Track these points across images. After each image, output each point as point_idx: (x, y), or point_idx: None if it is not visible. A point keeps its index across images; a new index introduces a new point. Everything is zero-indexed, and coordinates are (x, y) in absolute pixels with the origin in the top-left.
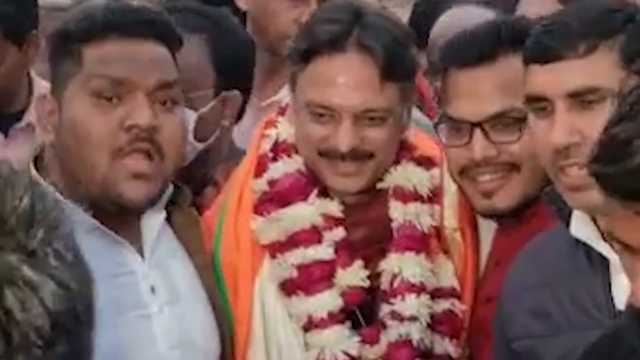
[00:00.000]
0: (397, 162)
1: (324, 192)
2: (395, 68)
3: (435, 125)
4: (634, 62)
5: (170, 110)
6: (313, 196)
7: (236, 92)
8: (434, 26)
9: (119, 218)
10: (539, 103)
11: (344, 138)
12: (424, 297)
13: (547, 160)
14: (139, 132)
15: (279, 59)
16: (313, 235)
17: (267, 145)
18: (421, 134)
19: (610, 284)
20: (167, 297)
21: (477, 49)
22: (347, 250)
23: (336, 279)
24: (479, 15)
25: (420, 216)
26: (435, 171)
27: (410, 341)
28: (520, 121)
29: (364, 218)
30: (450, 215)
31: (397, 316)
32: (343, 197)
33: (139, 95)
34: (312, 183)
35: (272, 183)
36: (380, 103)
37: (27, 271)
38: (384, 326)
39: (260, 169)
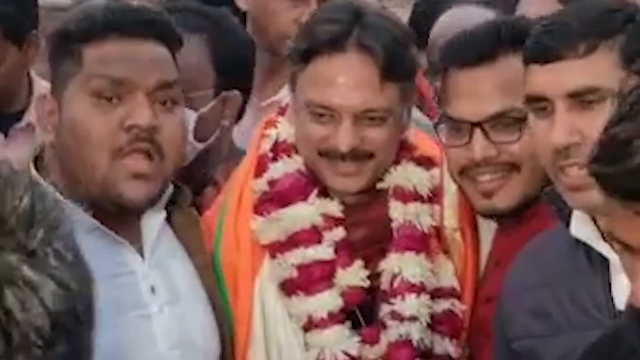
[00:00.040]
0: (397, 162)
1: (324, 192)
2: (395, 68)
3: (435, 125)
4: (634, 62)
5: (170, 110)
6: (313, 196)
7: (236, 92)
8: (434, 26)
9: (119, 218)
10: (539, 103)
11: (344, 138)
12: (424, 297)
13: (547, 160)
14: (139, 132)
15: (279, 59)
16: (313, 235)
17: (267, 145)
18: (421, 134)
19: (610, 284)
20: (167, 297)
21: (477, 49)
22: (347, 250)
23: (336, 279)
24: (479, 15)
25: (420, 216)
26: (435, 171)
27: (410, 341)
28: (520, 121)
29: (364, 218)
30: (450, 215)
31: (397, 316)
32: (343, 197)
33: (139, 95)
34: (312, 183)
35: (272, 183)
36: (380, 103)
37: (27, 271)
38: (384, 326)
39: (260, 169)
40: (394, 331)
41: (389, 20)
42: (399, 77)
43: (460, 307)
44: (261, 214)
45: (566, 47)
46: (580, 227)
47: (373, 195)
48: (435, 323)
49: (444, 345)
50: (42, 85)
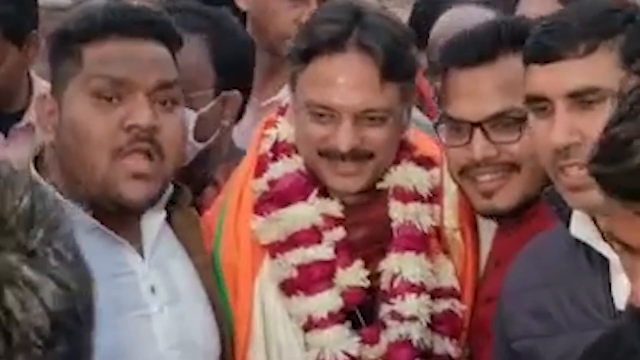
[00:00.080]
0: (397, 162)
1: (324, 192)
2: (395, 68)
3: (435, 125)
4: (634, 62)
5: (170, 110)
6: (313, 196)
7: (236, 92)
8: (434, 26)
9: (119, 218)
10: (539, 103)
11: (343, 138)
12: (424, 297)
13: (547, 160)
14: (139, 132)
15: (279, 59)
16: (313, 235)
17: (267, 145)
18: (421, 134)
19: (610, 284)
20: (167, 297)
21: (477, 49)
22: (347, 250)
23: (336, 279)
24: (479, 15)
25: (420, 216)
26: (435, 171)
27: (410, 341)
28: (520, 121)
29: (364, 218)
30: (450, 215)
31: (397, 316)
32: (343, 197)
33: (139, 95)
34: (312, 183)
35: (272, 183)
36: (380, 103)
37: (27, 271)
38: (384, 326)
39: (260, 169)
40: (394, 331)
41: (389, 20)
42: (399, 77)
43: (460, 307)
44: (261, 214)
45: (566, 47)
46: (580, 227)
47: (373, 195)
48: (435, 323)
49: (444, 345)
50: (42, 85)
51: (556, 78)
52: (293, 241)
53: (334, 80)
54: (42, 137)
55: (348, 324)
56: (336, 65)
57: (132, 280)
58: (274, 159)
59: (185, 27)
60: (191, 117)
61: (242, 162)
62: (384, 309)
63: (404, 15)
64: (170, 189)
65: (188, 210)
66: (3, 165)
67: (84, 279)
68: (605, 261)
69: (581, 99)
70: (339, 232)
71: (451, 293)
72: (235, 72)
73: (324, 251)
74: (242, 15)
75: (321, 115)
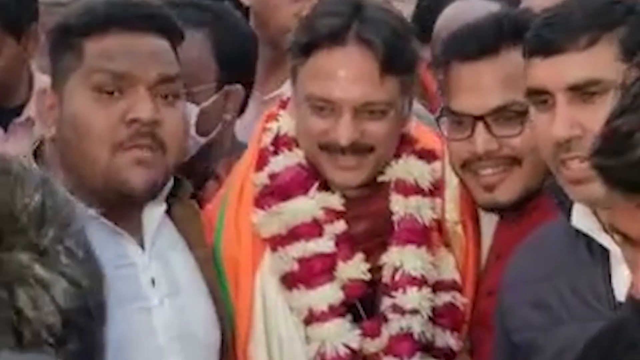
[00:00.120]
0: (398, 155)
1: (325, 186)
2: (395, 61)
3: (437, 119)
4: (635, 54)
5: (171, 104)
6: (314, 190)
7: (238, 86)
8: (438, 19)
9: (120, 210)
10: (540, 96)
11: (344, 131)
12: (426, 290)
13: (548, 153)
14: (140, 127)
15: (281, 53)
16: (314, 229)
17: (268, 139)
18: (422, 127)
19: (610, 275)
20: (168, 289)
21: (479, 43)
22: (348, 243)
23: (337, 272)
24: (483, 8)
25: (421, 209)
26: (437, 164)
27: (411, 334)
28: (522, 115)
29: (365, 211)
30: (451, 209)
31: (398, 309)
32: (344, 191)
33: (141, 89)
34: (312, 176)
35: (273, 176)
36: (380, 96)
37: (38, 270)
38: (385, 319)
39: (261, 163)
40: (395, 324)
41: (389, 13)
42: (399, 70)
43: (461, 300)
44: (262, 208)
45: (567, 40)
46: (582, 219)
47: (374, 189)
48: (436, 316)
49: (445, 338)
50: (42, 80)
51: (557, 71)
52: (294, 234)
53: (334, 73)
54: (42, 131)
55: (349, 317)
56: (336, 58)
57: (132, 272)
58: (275, 153)
59: (187, 21)
60: (193, 111)
61: (244, 156)
62: (385, 302)
63: (404, 8)
64: (171, 182)
65: (188, 203)
66: (14, 162)
67: (95, 275)
68: (605, 252)
69: (582, 92)
70: (340, 225)
71: (452, 286)
72: (238, 66)
73: (324, 244)
74: (246, 10)
75: (321, 108)
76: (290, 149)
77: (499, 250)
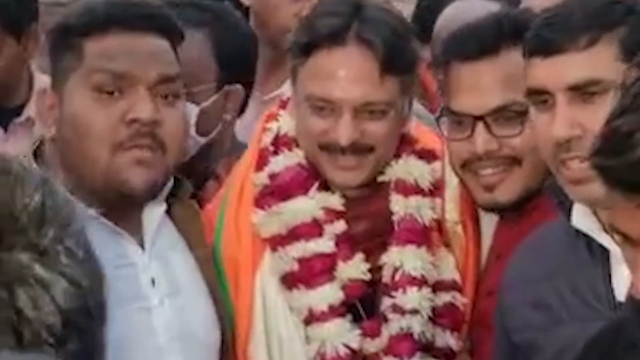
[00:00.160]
0: (398, 155)
1: (325, 186)
2: (395, 61)
3: (437, 119)
4: (635, 54)
5: (171, 104)
6: (314, 190)
7: (238, 86)
8: (438, 19)
9: (120, 211)
10: (540, 96)
11: (344, 132)
12: (426, 290)
13: (548, 153)
14: (140, 127)
15: (281, 53)
16: (314, 229)
17: (268, 139)
18: (422, 127)
19: (610, 275)
20: (168, 289)
21: (479, 43)
22: (348, 243)
23: (337, 272)
24: (483, 8)
25: (421, 209)
26: (437, 164)
27: (411, 334)
28: (521, 115)
29: (365, 211)
30: (451, 209)
31: (398, 309)
32: (344, 191)
33: (141, 89)
34: (312, 176)
35: (273, 176)
36: (380, 96)
37: (38, 270)
38: (385, 319)
39: (261, 163)
40: (395, 324)
41: (389, 13)
42: (399, 70)
43: (461, 300)
44: (262, 208)
45: (567, 40)
46: (582, 219)
47: (374, 189)
48: (436, 316)
49: (445, 338)
50: (42, 80)
51: (557, 71)
52: (294, 234)
53: (334, 73)
54: (42, 131)
55: (349, 317)
56: (336, 58)
57: (132, 272)
58: (275, 153)
59: (187, 21)
60: (193, 111)
61: (244, 156)
62: (386, 302)
63: (404, 9)
64: (171, 182)
65: (188, 203)
66: (14, 162)
67: (95, 275)
68: (605, 252)
69: (582, 92)
70: (340, 225)
71: (452, 286)
72: (238, 66)
73: (324, 244)
74: (246, 10)
75: (321, 108)
76: (290, 149)
77: (499, 250)
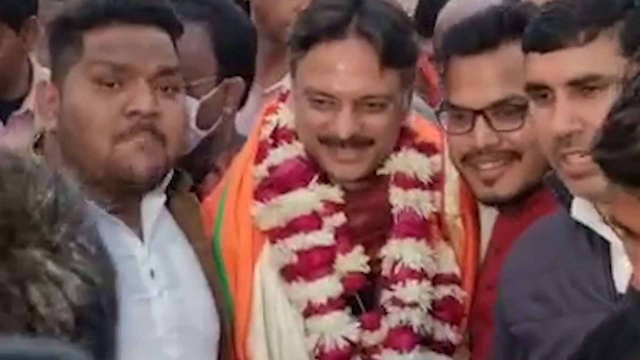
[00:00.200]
0: (397, 148)
1: (325, 179)
2: (395, 54)
3: (437, 113)
4: (635, 49)
5: (171, 96)
6: (313, 182)
7: (238, 79)
8: (441, 13)
9: (120, 203)
10: (540, 91)
11: (343, 125)
12: (425, 284)
13: (548, 148)
14: (140, 119)
15: (281, 46)
16: (313, 221)
17: (267, 132)
18: (422, 121)
19: (611, 267)
20: (167, 281)
21: (478, 37)
22: (347, 236)
23: (336, 265)
24: (485, 2)
25: (420, 203)
26: (437, 158)
27: (410, 327)
28: (522, 109)
29: (364, 204)
30: (451, 202)
31: (397, 302)
32: (343, 184)
33: (140, 81)
34: (312, 169)
35: (272, 169)
36: (380, 89)
37: (51, 266)
38: (385, 312)
39: (260, 155)
40: (394, 317)
41: (389, 6)
42: (399, 64)
43: (460, 294)
44: (261, 200)
45: (566, 35)
46: (582, 211)
47: (374, 182)
48: (435, 309)
49: (445, 331)
50: (42, 73)
51: (556, 66)
52: (293, 227)
53: (334, 66)
54: (42, 123)
55: (348, 309)
56: (335, 51)
57: (131, 264)
58: (274, 145)
59: (186, 14)
60: (193, 104)
61: (243, 148)
62: (385, 295)
63: (405, 2)
64: (170, 174)
65: (188, 196)
66: (26, 160)
67: (108, 272)
68: (606, 244)
69: (582, 86)
70: (339, 218)
71: (452, 279)
72: (237, 59)
73: (324, 237)
74: (246, 4)
75: (321, 101)
76: (289, 142)
77: (499, 244)
